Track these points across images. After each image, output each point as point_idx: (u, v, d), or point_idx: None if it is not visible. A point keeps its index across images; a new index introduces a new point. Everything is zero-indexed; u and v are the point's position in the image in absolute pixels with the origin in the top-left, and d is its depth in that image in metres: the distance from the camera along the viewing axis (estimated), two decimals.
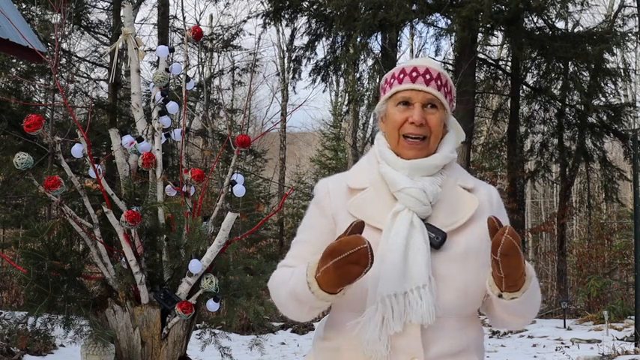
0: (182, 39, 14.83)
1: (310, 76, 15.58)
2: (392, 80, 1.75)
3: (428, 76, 1.71)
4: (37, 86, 13.57)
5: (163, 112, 4.08)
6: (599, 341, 9.28)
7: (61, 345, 7.10)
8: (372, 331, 1.57)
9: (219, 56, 19.35)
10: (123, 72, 14.44)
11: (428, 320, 1.56)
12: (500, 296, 1.54)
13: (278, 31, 22.60)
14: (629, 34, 14.31)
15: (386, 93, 1.76)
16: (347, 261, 1.41)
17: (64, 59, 14.05)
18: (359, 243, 1.40)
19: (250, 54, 20.58)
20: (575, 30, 15.36)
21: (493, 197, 1.75)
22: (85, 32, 15.28)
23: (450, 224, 1.65)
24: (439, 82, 1.71)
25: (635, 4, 15.04)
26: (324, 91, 17.61)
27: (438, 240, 1.62)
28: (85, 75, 15.58)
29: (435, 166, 1.71)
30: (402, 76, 1.73)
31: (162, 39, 14.67)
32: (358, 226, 1.48)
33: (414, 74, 1.71)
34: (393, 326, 1.56)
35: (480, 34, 14.41)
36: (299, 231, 1.80)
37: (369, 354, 1.59)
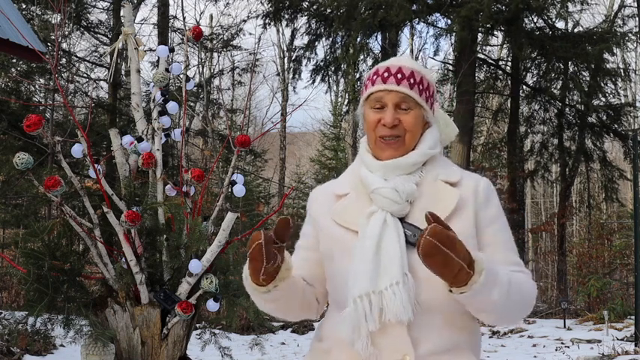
0: (182, 39, 14.83)
1: (310, 76, 15.59)
2: (367, 82, 1.76)
3: (400, 75, 1.70)
4: (37, 86, 13.58)
5: (163, 112, 4.08)
6: (599, 341, 9.28)
7: (61, 345, 7.10)
8: (348, 331, 1.59)
9: (219, 56, 19.34)
10: (123, 72, 14.44)
11: (403, 317, 1.55)
12: (450, 291, 1.52)
13: (278, 31, 22.60)
14: (629, 34, 14.31)
15: (363, 95, 1.77)
16: (251, 256, 1.55)
17: (64, 59, 14.05)
18: (255, 239, 1.53)
19: (250, 54, 20.57)
20: (575, 30, 15.35)
21: (480, 188, 1.71)
22: (85, 32, 15.27)
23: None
24: (412, 80, 1.70)
25: (635, 4, 15.04)
26: (326, 92, 17.58)
27: (415, 237, 1.61)
28: (85, 75, 15.58)
29: (411, 164, 1.70)
30: (375, 77, 1.73)
31: (162, 39, 14.67)
32: (282, 222, 1.56)
33: (386, 74, 1.71)
34: (367, 326, 1.57)
35: (479, 34, 14.41)
36: (300, 236, 1.88)
37: (357, 355, 1.60)
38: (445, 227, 1.45)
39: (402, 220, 1.65)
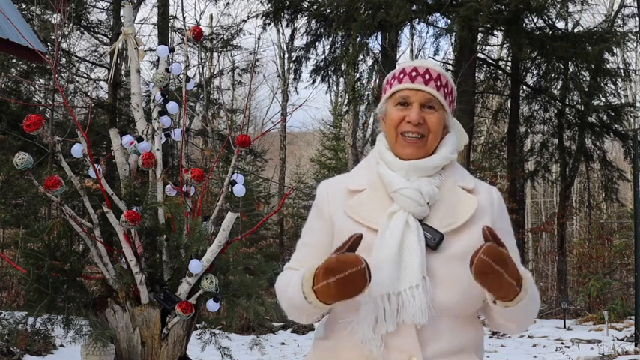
0: (182, 39, 14.82)
1: (310, 76, 15.58)
2: (392, 80, 1.76)
3: (427, 76, 1.71)
4: (37, 86, 13.57)
5: (163, 112, 4.08)
6: (599, 341, 9.28)
7: (61, 345, 7.09)
8: (365, 330, 1.59)
9: (219, 56, 19.33)
10: (123, 72, 14.44)
11: (420, 320, 1.57)
12: (494, 302, 1.56)
13: (278, 31, 22.59)
14: (629, 34, 14.30)
15: (386, 92, 1.77)
16: (346, 280, 1.46)
17: (64, 59, 14.05)
18: (357, 263, 1.45)
19: (250, 54, 20.57)
20: (575, 30, 15.35)
21: (494, 198, 1.75)
22: (85, 32, 15.28)
23: (447, 225, 1.65)
24: (439, 83, 1.72)
25: (635, 4, 15.04)
26: (326, 92, 17.58)
27: (434, 241, 1.62)
28: (85, 75, 15.58)
29: (433, 167, 1.71)
30: (401, 75, 1.74)
31: (162, 39, 14.67)
32: (357, 239, 1.51)
33: (414, 74, 1.72)
34: (385, 326, 1.58)
35: (479, 33, 14.41)
36: (302, 233, 1.83)
37: (365, 353, 1.60)
38: (500, 244, 1.48)
39: (420, 222, 1.66)
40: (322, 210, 1.77)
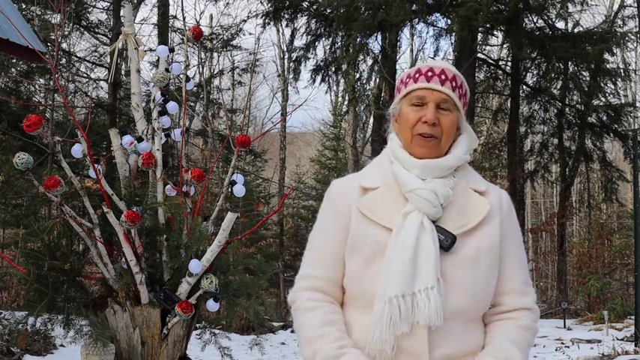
0: (182, 39, 14.82)
1: (310, 76, 15.58)
2: (407, 80, 1.76)
3: (443, 76, 1.71)
4: (37, 86, 13.57)
5: (163, 112, 4.09)
6: (599, 341, 9.27)
7: (61, 345, 7.09)
8: (379, 331, 1.58)
9: (219, 56, 19.32)
10: (123, 72, 14.43)
11: (435, 322, 1.56)
12: None
13: (278, 31, 22.57)
14: (629, 34, 14.29)
15: (401, 92, 1.76)
16: None
17: (64, 59, 14.04)
18: None
19: (250, 54, 20.57)
20: (575, 30, 15.35)
21: (503, 201, 1.75)
22: (85, 32, 15.28)
23: (460, 227, 1.65)
24: (454, 84, 1.72)
25: (635, 4, 15.04)
26: (326, 92, 17.56)
27: (447, 242, 1.62)
28: (85, 75, 15.57)
29: (447, 167, 1.70)
30: (417, 75, 1.74)
31: (162, 39, 14.65)
32: None
33: (430, 74, 1.72)
34: (400, 327, 1.57)
35: (479, 33, 14.40)
36: (312, 236, 1.79)
37: (374, 354, 1.59)
38: None
39: (433, 223, 1.65)
40: (340, 209, 1.74)
